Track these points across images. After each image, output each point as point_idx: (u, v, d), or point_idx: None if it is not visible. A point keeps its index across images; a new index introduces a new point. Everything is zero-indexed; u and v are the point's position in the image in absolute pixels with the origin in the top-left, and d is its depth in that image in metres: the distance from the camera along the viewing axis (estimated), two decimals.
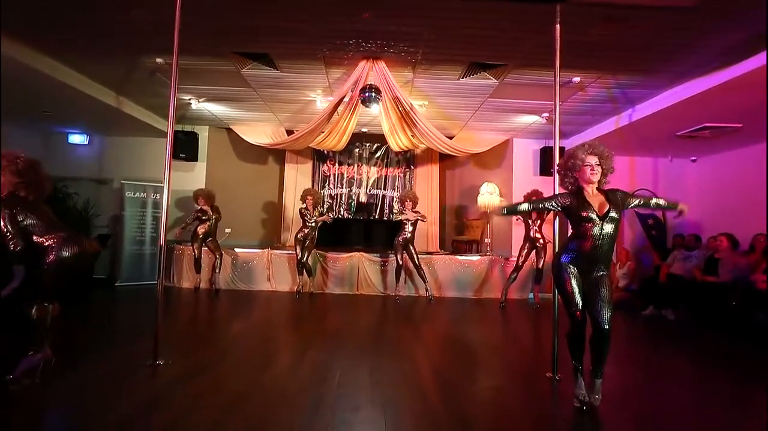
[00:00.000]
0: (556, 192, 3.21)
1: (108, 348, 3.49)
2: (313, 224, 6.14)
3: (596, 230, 2.49)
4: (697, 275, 5.40)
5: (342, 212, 8.20)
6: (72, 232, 2.80)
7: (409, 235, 6.07)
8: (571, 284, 2.53)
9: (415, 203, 6.20)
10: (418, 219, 6.11)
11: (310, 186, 7.97)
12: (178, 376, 2.85)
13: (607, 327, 2.40)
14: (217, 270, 6.23)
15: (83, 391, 2.59)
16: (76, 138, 7.41)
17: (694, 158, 7.32)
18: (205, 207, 6.20)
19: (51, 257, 2.58)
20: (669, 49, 3.90)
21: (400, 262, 6.06)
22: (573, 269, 2.55)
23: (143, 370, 2.91)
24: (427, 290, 6.17)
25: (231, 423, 2.21)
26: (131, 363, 3.04)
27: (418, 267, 6.12)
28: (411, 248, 6.09)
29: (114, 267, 6.86)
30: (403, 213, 6.13)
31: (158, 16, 3.49)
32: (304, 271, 6.17)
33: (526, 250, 5.89)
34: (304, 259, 6.07)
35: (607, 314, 2.42)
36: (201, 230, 6.20)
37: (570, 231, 2.68)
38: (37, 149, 7.31)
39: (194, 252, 6.17)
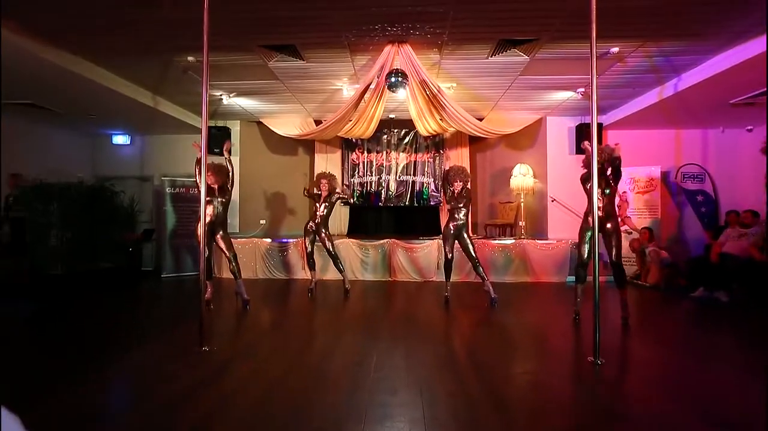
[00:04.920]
0: (594, 170, 3.07)
1: (157, 336, 3.73)
2: (324, 213, 5.40)
3: None
4: (755, 254, 5.03)
5: (372, 199, 8.22)
6: None
7: (462, 220, 4.96)
8: None
9: (465, 181, 5.02)
10: (465, 203, 4.94)
11: (340, 175, 8.04)
12: (224, 361, 3.00)
13: None
14: (237, 276, 4.71)
15: (134, 375, 2.79)
16: (119, 139, 7.84)
17: (750, 127, 6.75)
18: (214, 185, 4.61)
19: None
20: (721, 8, 3.57)
21: (449, 255, 5.00)
22: None
23: (191, 355, 3.07)
24: (488, 288, 4.89)
25: (274, 404, 2.30)
26: (179, 349, 3.22)
27: (475, 260, 4.94)
28: (465, 236, 4.97)
29: (159, 260, 7.25)
30: (453, 194, 4.98)
31: (186, 14, 3.58)
32: (313, 265, 5.51)
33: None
34: (331, 249, 5.45)
35: None
36: (208, 216, 4.37)
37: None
38: (86, 151, 7.80)
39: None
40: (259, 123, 7.76)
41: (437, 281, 6.31)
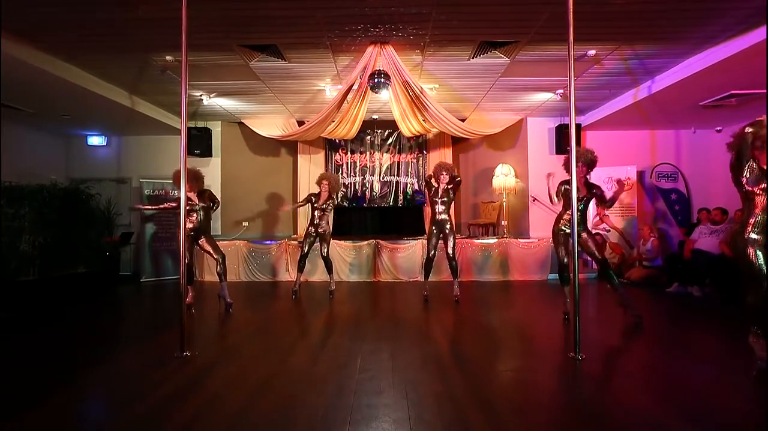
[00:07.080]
0: (573, 171, 3.15)
1: (137, 342, 3.64)
2: (327, 209, 5.35)
3: None
4: (725, 250, 5.23)
5: (356, 201, 8.21)
6: None
7: (443, 216, 4.95)
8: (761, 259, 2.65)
9: (451, 175, 4.96)
10: (449, 191, 4.93)
11: None
12: (206, 365, 2.94)
13: None
14: (222, 279, 4.73)
15: (113, 383, 2.71)
16: (95, 140, 7.60)
17: (719, 128, 7.03)
18: (191, 194, 4.59)
19: None
20: (692, 14, 3.71)
21: (431, 253, 5.01)
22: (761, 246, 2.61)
23: (172, 361, 3.01)
24: (456, 289, 5.03)
25: (258, 408, 2.27)
26: (160, 354, 3.15)
27: (451, 259, 4.97)
28: (448, 233, 4.93)
29: (138, 264, 7.07)
30: (436, 190, 4.99)
31: (165, 13, 3.51)
32: (302, 267, 5.41)
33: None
34: (325, 253, 5.40)
35: None
36: (188, 224, 4.47)
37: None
38: (59, 152, 7.53)
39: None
40: (241, 124, 7.65)
41: (422, 282, 6.33)
